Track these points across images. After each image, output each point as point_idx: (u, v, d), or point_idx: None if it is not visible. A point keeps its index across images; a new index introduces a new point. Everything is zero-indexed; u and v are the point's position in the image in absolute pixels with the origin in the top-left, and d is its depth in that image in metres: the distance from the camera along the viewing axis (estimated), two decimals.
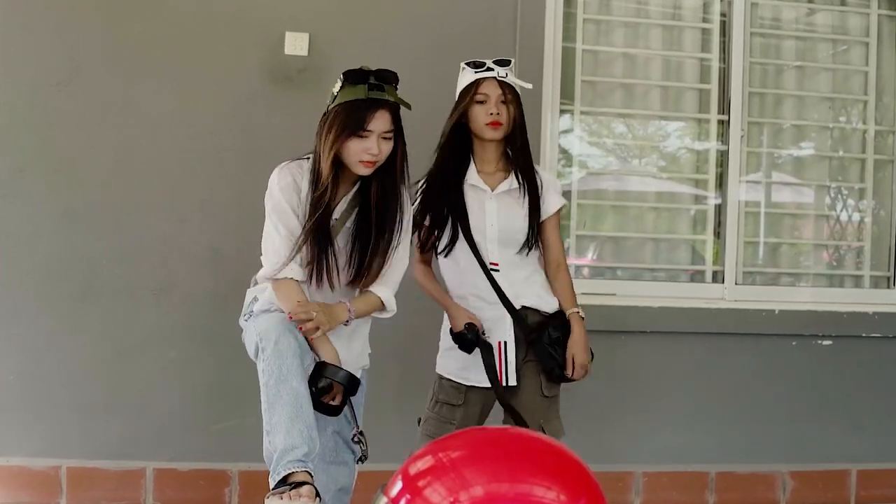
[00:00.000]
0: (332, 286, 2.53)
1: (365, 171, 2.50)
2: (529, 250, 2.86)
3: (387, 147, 2.50)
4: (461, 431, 1.98)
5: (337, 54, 3.65)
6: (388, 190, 2.55)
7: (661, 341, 3.90)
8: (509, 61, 2.84)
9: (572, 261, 4.06)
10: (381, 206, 2.54)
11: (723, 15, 4.10)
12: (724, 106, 4.09)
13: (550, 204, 2.91)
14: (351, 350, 2.63)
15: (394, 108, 2.52)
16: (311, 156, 2.56)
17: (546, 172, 2.96)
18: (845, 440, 4.01)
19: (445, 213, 2.82)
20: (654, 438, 3.90)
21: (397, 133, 2.53)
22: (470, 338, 2.78)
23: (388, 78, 2.51)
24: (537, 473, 1.68)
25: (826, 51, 4.26)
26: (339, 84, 2.50)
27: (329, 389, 2.47)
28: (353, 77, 2.48)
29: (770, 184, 4.23)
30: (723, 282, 4.07)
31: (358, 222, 2.55)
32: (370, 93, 2.46)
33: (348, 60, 3.64)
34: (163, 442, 3.62)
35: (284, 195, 2.51)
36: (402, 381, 3.60)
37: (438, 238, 2.84)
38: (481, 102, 2.79)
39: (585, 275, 4.09)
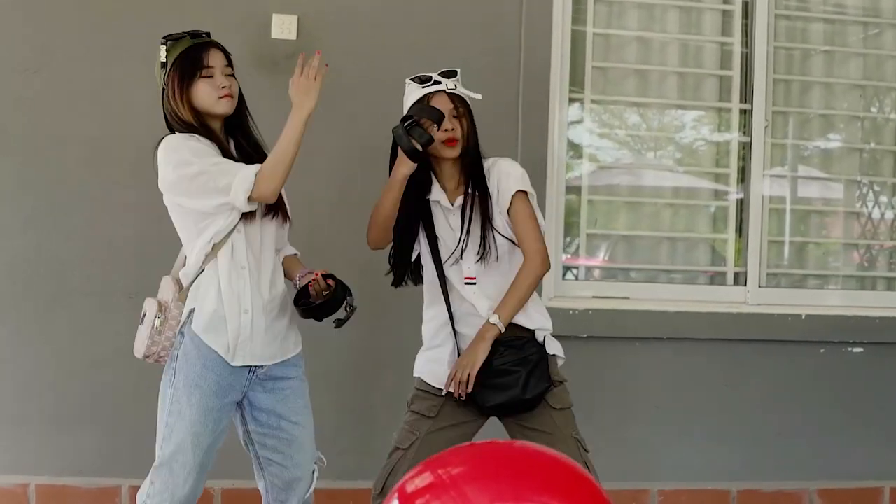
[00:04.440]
0: (253, 217, 2.65)
1: (227, 106, 2.66)
2: (490, 258, 2.84)
3: (233, 83, 2.68)
4: (462, 446, 1.97)
5: (327, 38, 3.65)
6: (249, 125, 2.77)
7: (678, 349, 3.90)
8: (455, 72, 2.87)
9: (582, 261, 4.06)
10: (252, 136, 2.77)
11: None
12: (747, 94, 4.09)
13: (504, 194, 2.86)
14: (276, 332, 2.70)
15: (222, 50, 2.71)
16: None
17: (504, 161, 2.91)
18: (878, 455, 4.01)
19: (410, 234, 2.87)
20: (671, 454, 3.90)
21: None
22: (409, 125, 2.68)
23: (205, 32, 2.74)
24: (544, 492, 1.67)
25: (856, 34, 4.26)
26: (163, 50, 2.67)
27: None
28: (173, 36, 2.69)
29: (796, 178, 4.23)
30: (745, 284, 4.07)
31: (244, 158, 2.69)
32: (194, 39, 2.68)
33: (339, 45, 3.69)
34: (140, 458, 3.59)
35: (196, 151, 2.60)
36: (396, 391, 3.60)
37: (407, 263, 2.91)
38: None
39: (596, 276, 4.09)
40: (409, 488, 1.71)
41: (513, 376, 2.79)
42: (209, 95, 2.63)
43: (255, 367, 2.66)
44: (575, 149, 4.08)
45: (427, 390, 2.90)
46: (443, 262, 2.85)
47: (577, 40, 3.98)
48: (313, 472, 2.77)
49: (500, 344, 2.80)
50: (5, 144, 3.60)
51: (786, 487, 3.96)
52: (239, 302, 2.62)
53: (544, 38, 3.83)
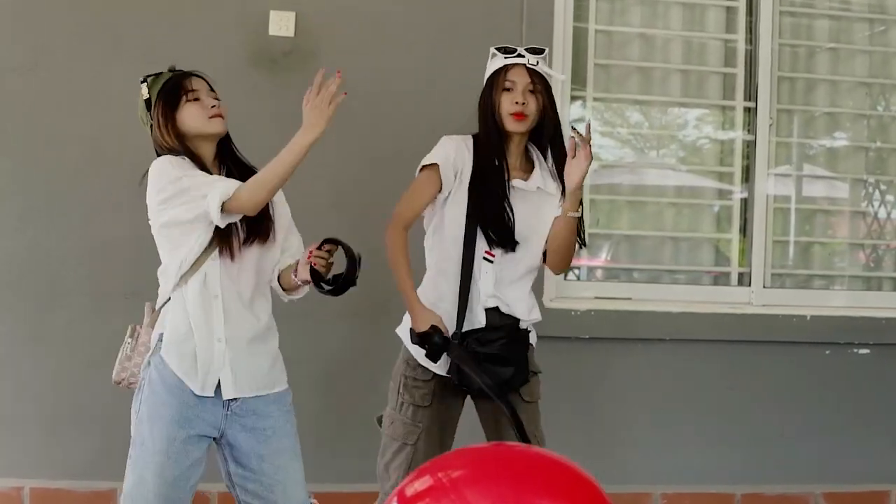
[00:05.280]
0: (237, 255, 2.59)
1: (220, 125, 2.63)
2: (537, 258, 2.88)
3: (223, 107, 2.66)
4: (462, 448, 1.97)
5: (325, 35, 3.65)
6: (238, 157, 2.73)
7: (681, 350, 3.90)
8: (543, 50, 2.87)
9: (584, 262, 4.07)
10: (244, 167, 2.69)
11: None
12: (751, 92, 4.09)
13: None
14: (256, 364, 2.62)
15: (202, 77, 2.70)
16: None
17: None
18: (885, 458, 4.00)
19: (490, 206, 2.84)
20: (674, 456, 3.89)
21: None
22: (437, 341, 2.75)
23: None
24: (546, 495, 1.67)
25: (862, 31, 4.26)
26: (144, 88, 2.68)
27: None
28: (151, 74, 2.69)
29: (801, 177, 4.23)
30: (749, 285, 4.07)
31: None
32: (174, 72, 2.69)
33: (337, 41, 3.69)
34: None
35: (182, 166, 2.58)
36: None
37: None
38: (508, 90, 2.82)
39: (599, 277, 4.09)
40: (409, 491, 1.71)
41: (504, 361, 2.80)
42: (199, 117, 2.61)
43: (230, 400, 2.56)
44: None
45: (417, 377, 2.88)
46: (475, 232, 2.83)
47: (579, 37, 3.98)
48: None
49: (494, 329, 2.81)
50: (1, 144, 3.60)
51: (791, 491, 3.96)
52: (211, 331, 2.55)
53: (546, 34, 3.83)
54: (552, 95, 2.87)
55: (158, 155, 2.63)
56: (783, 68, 4.14)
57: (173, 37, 3.64)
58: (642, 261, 4.10)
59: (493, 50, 2.89)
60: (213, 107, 2.62)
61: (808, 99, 4.21)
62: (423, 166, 2.88)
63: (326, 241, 2.57)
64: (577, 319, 3.83)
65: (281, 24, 3.68)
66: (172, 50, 3.63)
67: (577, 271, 4.07)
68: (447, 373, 2.82)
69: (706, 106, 4.19)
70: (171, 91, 2.63)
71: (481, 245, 2.85)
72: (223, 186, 2.48)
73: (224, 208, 2.47)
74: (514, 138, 2.87)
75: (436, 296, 2.87)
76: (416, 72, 3.37)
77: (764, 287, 4.07)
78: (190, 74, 2.68)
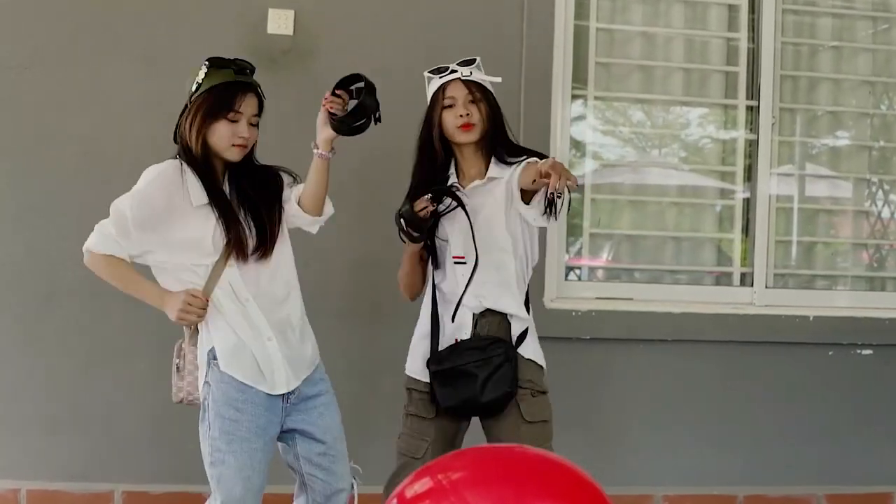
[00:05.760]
0: (245, 259, 2.65)
1: (237, 155, 2.65)
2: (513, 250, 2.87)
3: (254, 134, 2.67)
4: (463, 450, 1.97)
5: (325, 33, 3.65)
6: (254, 168, 2.75)
7: (683, 351, 3.90)
8: (473, 60, 2.91)
9: (585, 262, 4.06)
10: (256, 178, 2.72)
11: None
12: (754, 91, 4.09)
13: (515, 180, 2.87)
14: (302, 352, 2.73)
15: (259, 96, 2.70)
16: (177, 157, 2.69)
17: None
18: (888, 460, 4.00)
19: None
20: (676, 458, 3.89)
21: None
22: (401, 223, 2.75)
23: (251, 67, 2.70)
24: (546, 496, 1.67)
25: (865, 29, 4.26)
26: (202, 72, 2.65)
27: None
28: (218, 62, 2.65)
29: (804, 176, 4.23)
30: (752, 285, 4.07)
31: (241, 198, 2.70)
32: (238, 76, 2.64)
33: (337, 40, 3.69)
34: (132, 462, 3.62)
35: (161, 190, 2.63)
36: (395, 396, 3.60)
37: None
38: (450, 107, 2.85)
39: (600, 277, 4.09)
40: (409, 493, 1.71)
41: (470, 378, 2.78)
42: (225, 139, 2.62)
43: (288, 393, 2.67)
44: (578, 146, 4.08)
45: (418, 389, 2.90)
46: (436, 238, 2.88)
47: (580, 35, 3.98)
48: (353, 484, 2.79)
49: (463, 345, 2.82)
50: None
51: (793, 493, 3.96)
52: (259, 332, 2.64)
53: (546, 33, 3.83)
54: (494, 101, 2.90)
55: (175, 137, 2.69)
56: (786, 67, 4.14)
57: (172, 35, 3.64)
58: (644, 261, 4.10)
59: (426, 74, 2.94)
60: (241, 136, 2.62)
61: (811, 98, 4.21)
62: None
63: (338, 85, 2.62)
64: (578, 320, 3.83)
65: (280, 22, 3.68)
66: (171, 48, 3.64)
67: (578, 271, 4.07)
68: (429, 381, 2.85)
69: (708, 105, 4.19)
70: (220, 101, 2.61)
71: (451, 251, 2.87)
72: (103, 241, 2.63)
73: (88, 249, 2.66)
74: (468, 150, 2.89)
75: (424, 317, 2.92)
76: (416, 70, 3.33)
77: (766, 287, 4.07)
78: (248, 89, 2.65)
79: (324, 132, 2.64)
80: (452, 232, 2.86)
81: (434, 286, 2.90)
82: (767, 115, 4.07)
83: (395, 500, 1.73)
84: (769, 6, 4.06)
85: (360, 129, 2.63)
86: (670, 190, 4.16)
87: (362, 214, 3.41)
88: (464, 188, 2.88)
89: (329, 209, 2.81)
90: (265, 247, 2.66)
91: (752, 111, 4.10)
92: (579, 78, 3.98)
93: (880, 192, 4.30)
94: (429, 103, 2.91)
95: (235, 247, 2.61)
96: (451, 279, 2.87)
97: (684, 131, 4.24)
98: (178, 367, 2.71)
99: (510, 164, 2.87)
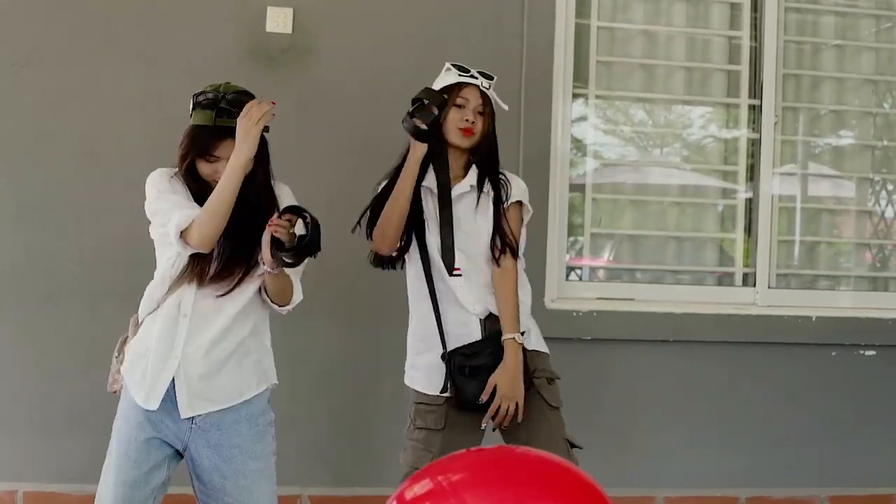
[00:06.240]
0: (201, 283, 2.57)
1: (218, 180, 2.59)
2: (498, 254, 2.90)
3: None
4: (462, 452, 1.97)
5: (324, 32, 3.65)
6: (255, 195, 2.62)
7: (684, 351, 3.90)
8: (493, 77, 2.96)
9: (586, 262, 4.06)
10: (254, 203, 2.60)
11: None
12: (756, 89, 4.09)
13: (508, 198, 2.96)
14: (219, 382, 2.60)
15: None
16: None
17: (513, 175, 3.02)
18: (891, 461, 4.00)
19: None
20: (678, 459, 3.89)
21: (261, 154, 2.60)
22: (415, 107, 2.75)
23: (240, 102, 2.56)
24: (547, 498, 1.67)
25: (869, 28, 4.26)
26: (191, 103, 2.62)
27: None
28: (202, 101, 2.58)
29: (806, 176, 4.23)
30: (754, 285, 4.06)
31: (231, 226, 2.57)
32: (217, 120, 2.57)
33: (336, 38, 3.69)
34: None
35: (164, 180, 2.62)
36: (393, 396, 3.60)
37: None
38: (460, 106, 2.89)
39: (601, 277, 4.08)
40: (409, 495, 1.71)
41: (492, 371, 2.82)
42: (206, 175, 2.60)
43: (194, 416, 2.57)
44: (578, 146, 4.07)
45: (426, 402, 2.90)
46: (429, 251, 2.89)
47: (581, 34, 3.98)
48: None
49: (482, 343, 2.85)
50: None
51: (796, 494, 3.96)
52: (171, 348, 2.57)
53: (547, 31, 3.83)
54: (494, 124, 2.94)
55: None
56: (788, 65, 4.14)
57: (169, 33, 3.64)
58: (645, 261, 4.10)
59: (448, 64, 2.95)
60: (220, 175, 2.53)
61: (814, 96, 4.21)
62: None
63: (286, 209, 2.54)
64: (579, 320, 3.83)
65: (278, 20, 3.68)
66: (169, 46, 3.64)
67: (578, 272, 4.07)
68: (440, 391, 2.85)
69: (710, 103, 4.19)
70: (197, 144, 2.58)
71: (443, 268, 2.89)
72: (182, 214, 2.51)
73: (182, 236, 2.50)
74: (455, 153, 2.93)
75: (422, 329, 2.92)
76: (415, 69, 3.34)
77: (769, 287, 4.07)
78: (226, 135, 2.55)
79: (265, 253, 2.50)
80: (442, 246, 2.89)
81: (433, 298, 2.89)
82: (770, 114, 4.07)
83: (394, 502, 1.72)
84: (772, 4, 4.06)
85: (296, 265, 2.55)
86: (672, 189, 4.16)
87: (358, 212, 3.41)
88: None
89: (297, 297, 2.67)
90: (225, 280, 2.58)
91: (755, 110, 4.10)
92: (580, 77, 3.98)
93: (883, 191, 4.30)
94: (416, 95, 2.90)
95: (194, 269, 2.57)
96: (448, 291, 2.88)
97: (686, 130, 4.24)
98: (117, 361, 2.71)
99: (490, 181, 2.92)
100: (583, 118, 4.07)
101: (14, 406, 3.59)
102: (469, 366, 2.83)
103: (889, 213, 4.29)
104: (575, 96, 3.99)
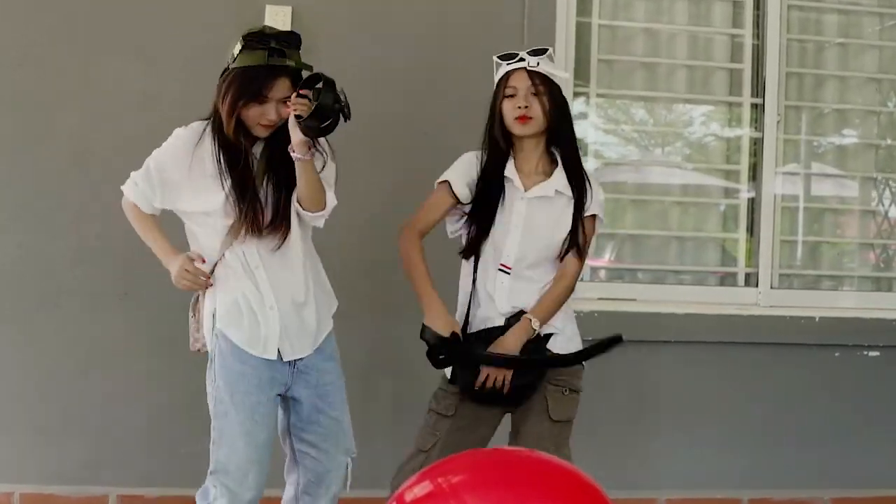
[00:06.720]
0: (259, 233, 2.67)
1: (263, 133, 2.68)
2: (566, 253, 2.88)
3: (286, 111, 2.63)
4: (463, 453, 1.97)
5: (323, 30, 3.64)
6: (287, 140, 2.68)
7: (686, 352, 3.89)
8: (545, 50, 2.88)
9: (587, 262, 4.05)
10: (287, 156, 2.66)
11: None
12: (758, 88, 4.09)
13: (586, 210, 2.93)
14: (308, 325, 2.76)
15: (294, 73, 2.66)
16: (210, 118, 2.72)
17: (595, 180, 2.97)
18: (894, 462, 4.00)
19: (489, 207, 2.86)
20: (680, 461, 3.89)
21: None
22: (434, 344, 2.77)
23: (290, 41, 2.67)
24: (547, 500, 1.67)
25: (872, 26, 4.26)
26: (238, 45, 2.64)
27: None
28: (252, 41, 2.63)
29: (809, 175, 4.23)
30: (756, 285, 4.06)
31: (269, 170, 2.71)
32: (270, 59, 2.62)
33: (334, 36, 3.68)
34: (128, 465, 3.61)
35: (177, 155, 2.72)
36: (396, 399, 3.60)
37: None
38: (510, 96, 2.84)
39: (602, 277, 4.08)
40: (409, 496, 1.71)
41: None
42: (252, 119, 2.64)
43: (296, 360, 2.72)
44: (580, 144, 4.06)
45: (444, 388, 2.92)
46: (483, 239, 2.86)
47: (583, 32, 3.98)
48: (347, 465, 2.80)
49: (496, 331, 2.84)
50: None
51: (799, 496, 3.95)
52: (262, 300, 2.68)
53: (548, 29, 3.82)
54: (560, 96, 2.87)
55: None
56: (791, 64, 4.14)
57: (167, 31, 3.64)
58: (647, 261, 4.10)
59: (495, 59, 2.90)
60: (268, 118, 2.63)
61: (817, 95, 4.21)
62: (439, 182, 2.91)
63: (303, 85, 2.56)
64: (581, 321, 3.79)
65: (277, 18, 3.67)
66: (167, 44, 3.64)
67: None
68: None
69: (712, 102, 4.18)
70: (248, 85, 2.61)
71: (494, 259, 2.86)
72: (128, 181, 2.78)
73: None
74: (526, 143, 2.87)
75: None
76: (415, 67, 3.36)
77: (771, 288, 4.07)
78: (279, 74, 2.62)
79: (294, 136, 2.59)
80: (504, 242, 2.86)
81: (473, 285, 2.89)
82: (772, 113, 4.07)
83: (394, 503, 1.72)
84: (774, 2, 4.05)
85: (328, 130, 2.56)
86: (674, 189, 4.16)
87: (363, 212, 3.41)
88: (524, 185, 2.87)
89: (331, 202, 2.75)
90: (280, 224, 2.68)
91: (757, 109, 4.09)
92: (581, 75, 3.98)
93: (887, 190, 4.30)
94: (494, 90, 2.90)
95: (248, 221, 2.64)
96: (489, 283, 2.87)
97: (688, 129, 4.24)
98: (193, 319, 2.78)
99: (574, 185, 2.87)
100: (584, 117, 4.07)
101: (13, 406, 3.59)
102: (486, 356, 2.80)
103: (893, 212, 4.28)
104: (576, 95, 3.98)
